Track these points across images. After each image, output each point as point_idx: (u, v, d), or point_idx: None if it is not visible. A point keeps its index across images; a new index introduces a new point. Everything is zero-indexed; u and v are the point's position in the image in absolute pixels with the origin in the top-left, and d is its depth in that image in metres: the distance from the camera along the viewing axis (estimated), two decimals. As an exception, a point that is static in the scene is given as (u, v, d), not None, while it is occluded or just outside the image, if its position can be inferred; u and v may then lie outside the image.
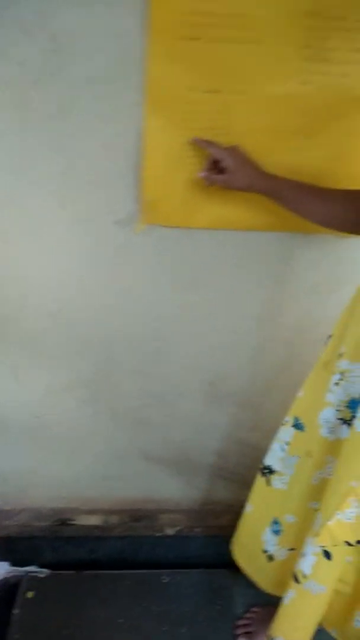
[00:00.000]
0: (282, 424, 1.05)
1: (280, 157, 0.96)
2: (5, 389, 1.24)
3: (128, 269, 1.10)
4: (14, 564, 1.43)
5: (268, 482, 1.09)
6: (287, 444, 1.04)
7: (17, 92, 0.92)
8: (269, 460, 1.08)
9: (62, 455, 1.36)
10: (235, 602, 1.38)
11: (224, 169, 0.92)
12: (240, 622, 1.32)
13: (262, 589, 1.19)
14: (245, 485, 1.40)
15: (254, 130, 0.95)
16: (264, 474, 1.10)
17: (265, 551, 1.13)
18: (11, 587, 1.40)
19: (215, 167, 0.94)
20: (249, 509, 1.17)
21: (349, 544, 0.89)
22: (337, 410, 0.91)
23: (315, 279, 1.13)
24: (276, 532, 1.10)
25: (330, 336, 0.95)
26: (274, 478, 1.07)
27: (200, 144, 0.95)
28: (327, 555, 0.92)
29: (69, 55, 0.90)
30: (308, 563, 0.94)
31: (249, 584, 1.40)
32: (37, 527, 1.40)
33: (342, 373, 0.88)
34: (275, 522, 1.09)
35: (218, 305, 1.15)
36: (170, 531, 1.40)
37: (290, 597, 1.01)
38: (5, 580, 1.42)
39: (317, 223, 0.94)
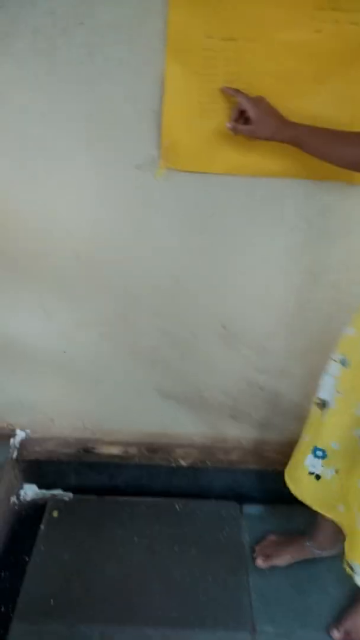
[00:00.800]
0: (333, 360, 1.10)
1: (293, 102, 1.01)
2: (34, 323, 1.35)
3: (147, 212, 1.17)
4: (42, 486, 1.56)
5: (322, 414, 1.15)
6: (336, 378, 1.09)
7: (46, 39, 0.99)
8: (323, 393, 1.14)
9: (85, 387, 1.47)
10: (241, 530, 1.48)
11: (249, 119, 0.98)
12: (258, 547, 1.42)
13: (312, 507, 1.24)
14: (254, 425, 1.51)
15: (267, 75, 1.01)
16: (319, 406, 1.16)
17: (311, 473, 1.19)
18: (39, 507, 1.54)
19: (241, 117, 1.00)
20: (306, 438, 1.22)
21: None
22: None
23: (325, 225, 1.18)
24: (320, 457, 1.16)
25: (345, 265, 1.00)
26: (325, 411, 1.14)
27: (228, 92, 1.00)
28: None
29: (95, 4, 0.97)
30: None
31: (254, 516, 1.52)
32: (63, 454, 1.52)
33: None
34: (319, 449, 1.16)
35: (230, 248, 1.22)
36: (183, 463, 1.51)
37: None
38: (34, 502, 1.56)
39: (340, 165, 0.99)
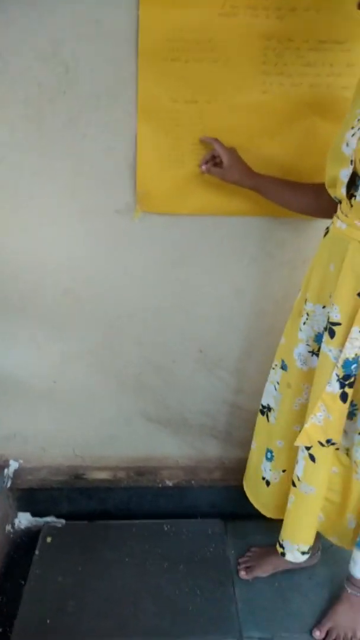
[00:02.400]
0: (272, 368, 1.27)
1: (247, 152, 1.18)
2: (27, 357, 1.46)
3: (127, 251, 1.32)
4: (35, 514, 1.64)
5: (267, 419, 1.30)
6: (278, 383, 1.25)
7: (35, 107, 1.16)
8: (266, 400, 1.31)
9: (76, 417, 1.57)
10: (226, 545, 1.57)
11: (220, 164, 1.15)
12: (241, 560, 1.52)
13: (266, 514, 1.40)
14: (234, 443, 1.62)
15: (224, 132, 1.17)
16: (263, 413, 1.32)
17: (263, 478, 1.34)
18: (33, 534, 1.61)
19: (212, 161, 1.17)
20: (254, 446, 1.38)
21: (321, 444, 1.08)
22: (307, 345, 1.13)
23: (286, 256, 1.34)
24: (269, 459, 1.31)
25: (299, 290, 1.17)
26: (271, 414, 1.29)
27: (207, 140, 1.17)
28: (312, 458, 1.14)
29: (77, 77, 1.13)
30: (300, 467, 1.17)
31: (238, 531, 1.61)
32: (55, 481, 1.61)
33: (307, 314, 1.11)
34: (269, 451, 1.31)
35: (204, 280, 1.37)
36: (169, 483, 1.60)
37: (291, 501, 1.23)
38: (28, 529, 1.64)
39: (294, 211, 1.19)
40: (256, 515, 1.61)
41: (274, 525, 1.48)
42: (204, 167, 1.17)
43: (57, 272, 1.35)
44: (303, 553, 1.29)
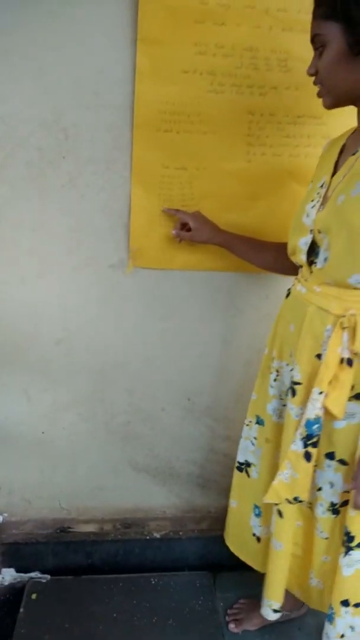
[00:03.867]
0: (246, 425, 1.30)
1: (231, 215, 1.28)
2: (17, 407, 1.48)
3: (119, 303, 1.38)
4: (19, 569, 1.60)
5: (248, 474, 1.31)
6: (255, 438, 1.28)
7: (36, 169, 1.23)
8: (243, 456, 1.32)
9: (63, 467, 1.58)
10: (215, 598, 1.56)
11: (190, 228, 1.24)
12: (230, 611, 1.50)
13: (258, 570, 1.38)
14: (220, 492, 1.64)
15: (211, 195, 1.28)
16: (241, 469, 1.33)
17: (254, 534, 1.34)
18: (17, 591, 1.57)
19: (183, 227, 1.26)
20: (234, 504, 1.38)
21: (289, 502, 1.10)
22: (280, 399, 1.18)
23: (268, 309, 1.42)
24: (257, 515, 1.31)
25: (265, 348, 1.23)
26: (251, 470, 1.30)
27: (170, 212, 1.27)
28: (280, 514, 1.15)
29: (76, 143, 1.23)
30: (256, 521, 1.18)
31: (226, 583, 1.60)
32: (40, 535, 1.59)
33: (277, 371, 1.16)
34: (256, 507, 1.31)
35: (190, 331, 1.43)
36: (157, 535, 1.60)
37: (269, 559, 1.22)
38: (12, 585, 1.59)
39: (258, 266, 1.28)
40: (244, 566, 1.62)
41: (263, 576, 1.49)
42: (174, 233, 1.26)
43: (52, 323, 1.39)
44: (275, 611, 1.26)
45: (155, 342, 1.43)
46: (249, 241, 1.26)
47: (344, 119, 1.18)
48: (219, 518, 1.64)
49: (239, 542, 1.41)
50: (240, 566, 1.62)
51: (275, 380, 1.17)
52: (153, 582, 1.60)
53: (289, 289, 1.15)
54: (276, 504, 1.14)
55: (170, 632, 1.45)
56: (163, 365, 1.46)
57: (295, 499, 1.09)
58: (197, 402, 1.52)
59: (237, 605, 1.52)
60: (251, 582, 1.58)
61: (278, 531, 1.17)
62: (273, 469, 1.24)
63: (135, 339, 1.42)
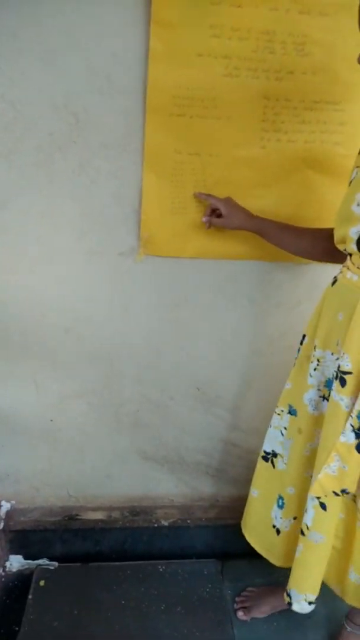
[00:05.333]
0: (277, 414, 1.28)
1: (245, 202, 1.25)
2: (26, 396, 1.47)
3: (129, 291, 1.36)
4: (28, 556, 1.61)
5: (273, 465, 1.30)
6: (285, 428, 1.26)
7: (46, 154, 1.21)
8: (270, 446, 1.31)
9: (71, 456, 1.57)
10: (223, 586, 1.56)
11: (221, 214, 1.22)
12: (239, 599, 1.51)
13: (275, 563, 1.37)
14: (228, 481, 1.64)
15: (224, 182, 1.25)
16: (267, 459, 1.32)
17: (274, 526, 1.33)
18: (25, 577, 1.58)
19: (214, 213, 1.24)
20: (255, 494, 1.37)
21: (336, 494, 1.08)
22: (318, 390, 1.16)
23: (279, 298, 1.40)
24: (280, 507, 1.30)
25: (304, 336, 1.21)
26: (278, 460, 1.29)
27: (201, 197, 1.25)
28: (323, 507, 1.13)
29: (86, 128, 1.20)
30: (309, 516, 1.15)
31: (234, 571, 1.61)
32: (48, 522, 1.59)
33: (317, 360, 1.14)
34: (280, 498, 1.30)
35: (201, 320, 1.41)
36: (165, 523, 1.60)
37: (299, 550, 1.20)
38: (20, 572, 1.60)
39: (292, 253, 1.25)
40: (251, 554, 1.62)
41: (270, 564, 1.49)
42: (205, 220, 1.24)
43: (60, 311, 1.38)
44: (310, 603, 1.25)
45: (164, 330, 1.42)
46: (284, 227, 1.23)
47: (362, 104, 1.16)
48: (227, 507, 1.65)
49: (256, 532, 1.40)
50: (248, 554, 1.62)
51: (315, 369, 1.15)
52: (161, 570, 1.61)
53: (335, 277, 1.13)
54: (318, 498, 1.13)
55: (178, 619, 1.46)
56: (172, 354, 1.45)
57: (343, 491, 1.07)
58: (206, 391, 1.51)
59: (246, 593, 1.53)
60: (259, 570, 1.60)
61: (319, 524, 1.15)
62: (300, 461, 1.23)
63: (144, 327, 1.41)
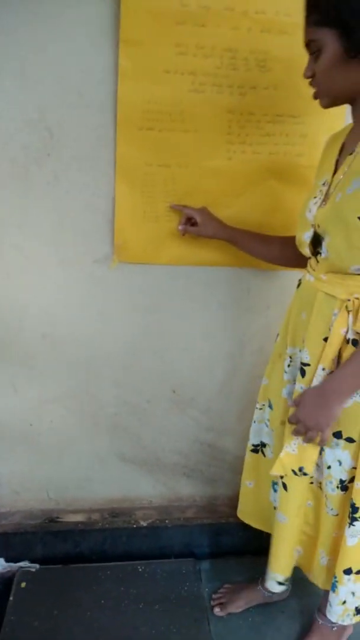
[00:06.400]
0: (259, 409, 1.35)
1: (214, 211, 1.31)
2: (4, 399, 1.51)
3: (104, 298, 1.41)
4: (9, 559, 1.63)
5: (264, 454, 1.37)
6: (269, 420, 1.32)
7: (21, 167, 1.26)
8: (257, 438, 1.37)
9: (51, 459, 1.61)
10: (200, 584, 1.60)
11: (196, 223, 1.29)
12: (215, 596, 1.55)
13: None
14: (205, 481, 1.68)
15: (194, 192, 1.31)
16: (256, 451, 1.39)
17: (275, 508, 1.37)
18: (7, 580, 1.60)
19: (189, 221, 1.31)
20: (250, 485, 1.43)
21: (295, 473, 1.15)
22: (294, 383, 1.21)
23: (249, 302, 1.46)
24: (276, 491, 1.34)
25: (278, 334, 1.29)
26: (267, 450, 1.36)
27: (177, 208, 1.31)
28: (285, 487, 1.20)
29: (60, 141, 1.25)
30: (275, 496, 1.22)
31: (211, 570, 1.65)
32: (29, 525, 1.62)
33: (290, 357, 1.22)
34: (274, 483, 1.35)
35: (175, 324, 1.47)
36: (144, 524, 1.64)
37: (273, 529, 1.27)
38: (1, 575, 1.62)
39: (262, 260, 1.33)
40: (228, 554, 1.68)
41: (247, 562, 1.54)
42: (181, 228, 1.31)
43: (37, 317, 1.42)
44: (279, 583, 1.33)
45: (139, 335, 1.47)
46: (255, 236, 1.31)
47: (322, 118, 1.23)
48: (204, 507, 1.70)
49: (258, 516, 1.45)
50: (224, 553, 1.68)
51: (289, 365, 1.22)
52: (140, 570, 1.64)
53: (299, 280, 1.21)
54: (281, 477, 1.19)
55: (157, 617, 1.49)
56: (148, 358, 1.50)
57: (300, 469, 1.14)
58: (181, 394, 1.56)
59: (222, 590, 1.57)
60: (236, 568, 1.64)
61: (283, 504, 1.22)
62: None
63: (120, 332, 1.46)
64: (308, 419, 1.07)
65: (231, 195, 1.33)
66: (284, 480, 1.21)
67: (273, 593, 1.43)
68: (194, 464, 1.66)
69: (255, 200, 1.34)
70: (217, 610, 1.50)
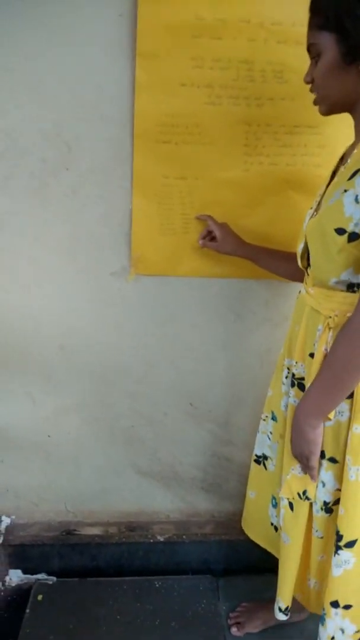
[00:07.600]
0: (263, 419, 1.33)
1: (231, 222, 1.31)
2: (22, 411, 1.52)
3: (121, 309, 1.41)
4: (26, 571, 1.64)
5: (265, 467, 1.34)
6: (271, 433, 1.30)
7: (39, 180, 1.28)
8: (260, 449, 1.35)
9: (68, 471, 1.61)
10: (217, 601, 1.57)
11: (215, 238, 1.28)
12: (232, 615, 1.52)
13: (277, 556, 1.35)
14: (223, 496, 1.65)
15: (211, 204, 1.31)
16: (259, 462, 1.36)
17: (272, 524, 1.36)
18: (23, 592, 1.60)
19: (208, 235, 1.30)
20: (252, 495, 1.41)
21: (299, 496, 1.11)
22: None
23: (266, 314, 1.44)
24: (274, 506, 1.33)
25: (282, 346, 1.27)
26: (268, 462, 1.33)
27: (202, 218, 1.31)
28: (291, 506, 1.16)
29: (77, 154, 1.27)
30: (281, 516, 1.18)
31: (229, 587, 1.62)
32: (47, 537, 1.62)
33: (288, 368, 1.20)
34: (273, 498, 1.33)
35: (191, 336, 1.46)
36: (161, 538, 1.62)
37: (280, 553, 1.23)
38: (18, 587, 1.63)
39: (281, 276, 1.32)
40: (247, 570, 1.64)
41: (265, 580, 1.50)
42: (201, 242, 1.31)
43: (54, 329, 1.43)
44: (280, 610, 1.26)
45: (156, 347, 1.46)
46: (274, 253, 1.31)
47: (340, 128, 1.21)
48: (223, 523, 1.67)
49: (259, 530, 1.42)
50: (243, 570, 1.65)
51: (286, 377, 1.20)
52: (157, 585, 1.62)
53: (299, 291, 1.20)
54: (287, 498, 1.16)
55: (173, 634, 1.47)
56: (165, 370, 1.49)
57: (304, 492, 1.10)
58: (199, 406, 1.54)
59: (240, 608, 1.53)
60: (254, 586, 1.60)
61: (287, 525, 1.18)
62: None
63: (137, 344, 1.45)
64: (294, 449, 1.07)
65: (248, 206, 1.32)
66: (291, 499, 1.16)
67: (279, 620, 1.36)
68: (212, 478, 1.63)
69: (273, 211, 1.32)
70: (234, 630, 1.47)
